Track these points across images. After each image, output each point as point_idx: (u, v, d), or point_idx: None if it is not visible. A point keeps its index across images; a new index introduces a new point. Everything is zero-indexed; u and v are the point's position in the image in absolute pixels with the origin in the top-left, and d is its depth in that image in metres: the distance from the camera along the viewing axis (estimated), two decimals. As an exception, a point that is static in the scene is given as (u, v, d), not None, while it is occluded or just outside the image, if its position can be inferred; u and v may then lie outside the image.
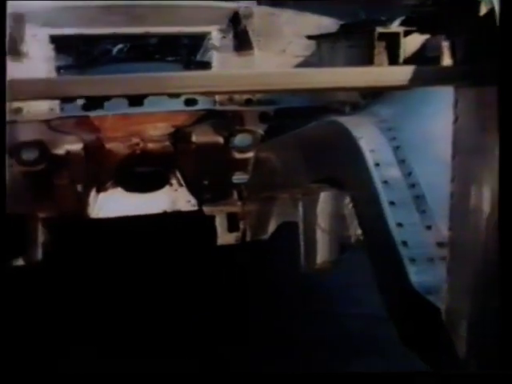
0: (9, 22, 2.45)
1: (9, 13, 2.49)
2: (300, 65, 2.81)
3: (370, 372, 2.62)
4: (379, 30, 2.14)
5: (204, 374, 2.64)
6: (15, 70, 2.42)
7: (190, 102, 2.77)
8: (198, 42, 2.91)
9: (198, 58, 2.93)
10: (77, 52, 2.73)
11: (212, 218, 3.11)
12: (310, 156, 2.30)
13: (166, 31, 2.93)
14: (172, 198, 2.99)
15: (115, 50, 2.95)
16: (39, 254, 2.65)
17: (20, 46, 2.45)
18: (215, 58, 2.85)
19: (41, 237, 2.67)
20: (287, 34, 2.87)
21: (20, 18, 2.46)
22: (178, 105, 2.77)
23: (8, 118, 2.42)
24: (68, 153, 2.64)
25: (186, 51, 2.98)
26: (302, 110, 2.70)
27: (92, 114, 2.70)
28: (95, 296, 3.33)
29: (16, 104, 2.43)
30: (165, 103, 2.73)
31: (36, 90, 1.43)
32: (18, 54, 2.44)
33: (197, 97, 2.78)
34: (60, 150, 2.62)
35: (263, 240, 3.10)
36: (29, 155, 2.48)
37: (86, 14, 2.75)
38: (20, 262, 2.61)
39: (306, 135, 2.39)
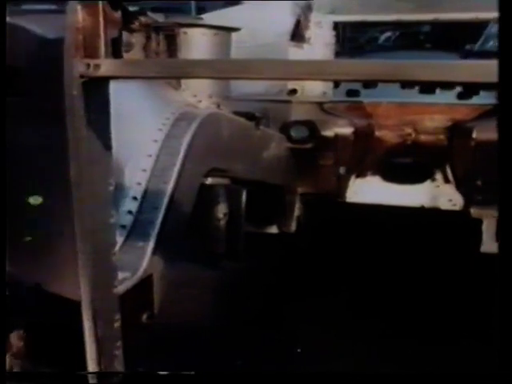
0: (296, 10, 2.87)
1: (297, 1, 2.92)
2: None
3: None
4: None
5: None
6: (295, 55, 2.85)
7: (463, 95, 2.82)
8: (478, 30, 2.89)
9: (478, 47, 2.93)
10: (342, 39, 3.00)
11: (478, 222, 3.08)
12: None
13: (458, 18, 2.97)
14: (432, 193, 3.07)
15: (382, 37, 3.13)
16: (293, 226, 3.04)
17: (304, 32, 2.84)
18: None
19: (297, 210, 3.06)
20: None
21: (308, 6, 2.84)
22: (450, 97, 2.84)
23: (283, 98, 2.87)
24: (336, 135, 2.93)
25: (463, 40, 2.99)
26: None
27: (366, 99, 2.96)
28: (332, 274, 3.58)
29: (292, 85, 2.84)
30: (436, 95, 2.83)
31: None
32: (300, 40, 2.84)
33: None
34: (329, 132, 2.93)
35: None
36: (298, 134, 2.85)
37: (372, 1, 3.00)
38: (274, 229, 3.03)
39: None
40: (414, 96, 2.90)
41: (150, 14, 2.25)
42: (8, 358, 1.57)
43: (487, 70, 1.06)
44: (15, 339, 1.60)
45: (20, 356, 1.60)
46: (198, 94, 2.27)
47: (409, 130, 2.97)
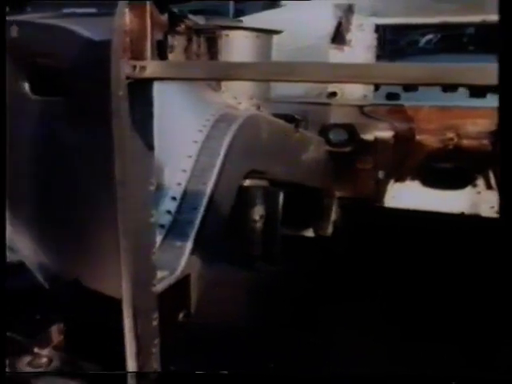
0: (337, 12, 2.88)
1: (337, 3, 2.93)
2: None
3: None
4: None
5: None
6: (335, 58, 2.85)
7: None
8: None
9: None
10: (383, 41, 2.99)
11: (521, 231, 3.02)
12: None
13: None
14: (473, 200, 3.04)
15: (423, 40, 3.10)
16: (329, 229, 3.05)
17: (345, 35, 2.85)
18: None
19: (333, 214, 3.06)
20: None
21: (349, 9, 2.85)
22: (493, 101, 2.80)
23: (323, 100, 2.88)
24: (376, 139, 2.93)
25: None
26: None
27: (407, 103, 2.95)
28: (368, 278, 3.57)
29: (331, 88, 2.85)
30: (480, 99, 2.80)
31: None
32: (341, 42, 2.85)
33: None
34: (369, 136, 2.93)
35: None
36: (337, 137, 2.86)
37: (414, 3, 2.99)
38: (310, 232, 3.04)
39: None
40: (456, 99, 2.87)
41: (190, 16, 2.28)
42: (49, 351, 1.63)
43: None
44: (55, 332, 1.66)
45: (60, 349, 1.65)
46: (238, 96, 2.29)
47: (450, 135, 2.94)
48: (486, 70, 1.12)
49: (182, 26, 1.96)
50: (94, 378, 1.60)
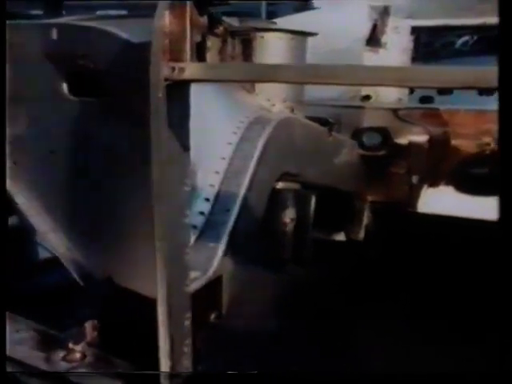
0: (373, 14, 2.88)
1: (372, 5, 2.92)
2: None
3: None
4: None
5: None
6: (370, 60, 2.86)
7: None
8: None
9: None
10: (418, 43, 2.98)
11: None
12: None
13: None
14: (509, 207, 3.00)
15: (459, 42, 3.08)
16: (361, 234, 3.04)
17: (380, 37, 2.85)
18: None
19: (365, 218, 3.06)
20: None
21: (385, 10, 2.85)
22: None
23: (356, 103, 2.88)
24: (410, 143, 2.93)
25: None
26: None
27: (442, 106, 2.94)
28: (396, 284, 3.55)
29: (366, 91, 2.85)
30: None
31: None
32: (376, 45, 2.85)
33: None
34: (403, 140, 2.92)
35: None
36: (371, 140, 2.86)
37: (453, 4, 2.97)
38: (341, 236, 3.04)
39: None
40: (492, 103, 2.85)
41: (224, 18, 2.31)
42: (82, 346, 1.67)
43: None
44: (89, 328, 1.70)
45: (94, 345, 1.70)
46: (272, 98, 2.31)
47: (487, 139, 2.92)
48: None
49: (220, 28, 1.99)
50: (126, 376, 1.63)
